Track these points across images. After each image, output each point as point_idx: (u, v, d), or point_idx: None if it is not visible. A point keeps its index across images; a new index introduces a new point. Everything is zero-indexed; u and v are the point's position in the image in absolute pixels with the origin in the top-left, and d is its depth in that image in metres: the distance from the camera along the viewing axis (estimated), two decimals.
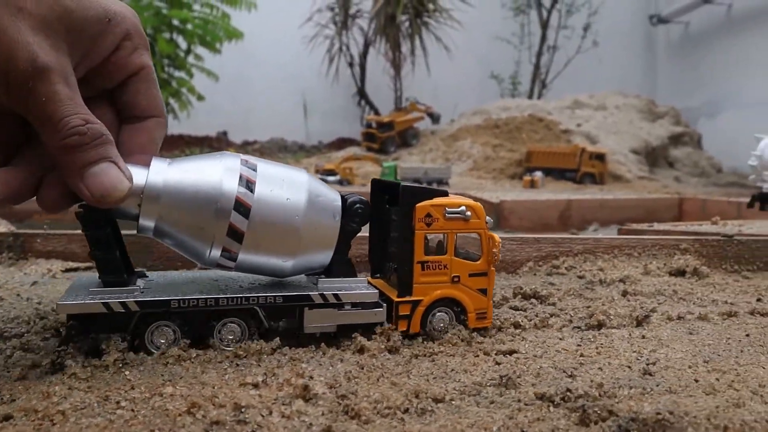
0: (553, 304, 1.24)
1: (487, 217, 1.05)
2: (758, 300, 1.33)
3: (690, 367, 0.89)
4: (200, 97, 7.08)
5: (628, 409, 0.71)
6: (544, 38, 8.99)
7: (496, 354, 0.96)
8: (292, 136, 8.91)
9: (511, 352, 0.96)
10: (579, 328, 1.10)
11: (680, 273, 1.55)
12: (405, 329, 1.01)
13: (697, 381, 0.83)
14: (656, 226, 2.05)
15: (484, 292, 1.05)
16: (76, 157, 0.77)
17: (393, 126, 7.35)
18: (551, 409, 0.76)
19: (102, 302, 0.88)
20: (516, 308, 1.22)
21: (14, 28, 0.71)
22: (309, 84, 8.77)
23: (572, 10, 8.94)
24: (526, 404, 0.77)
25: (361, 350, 0.96)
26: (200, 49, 6.82)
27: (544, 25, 8.98)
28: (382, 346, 0.97)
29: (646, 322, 1.12)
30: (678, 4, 9.02)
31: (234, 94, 8.39)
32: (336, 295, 0.97)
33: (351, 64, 8.72)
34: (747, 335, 1.06)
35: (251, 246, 0.90)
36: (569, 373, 0.86)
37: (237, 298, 0.93)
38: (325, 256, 0.98)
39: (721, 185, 6.35)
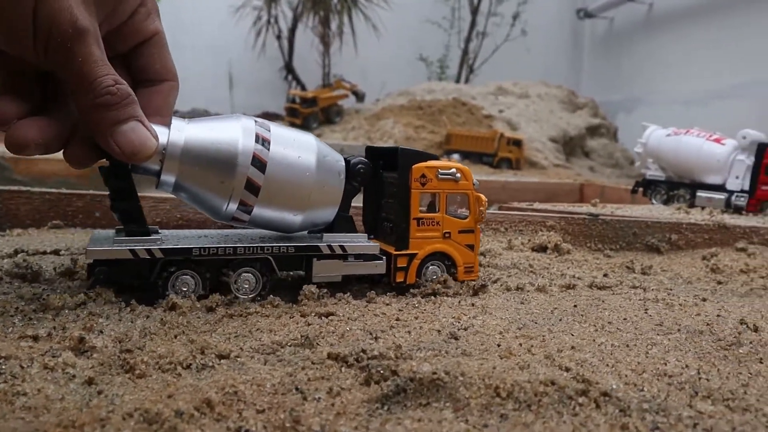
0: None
1: (474, 179, 1.14)
2: (604, 275, 1.34)
3: (501, 333, 0.88)
4: None
5: (409, 369, 0.68)
6: (473, 24, 9.00)
7: (312, 316, 0.93)
8: (215, 107, 8.66)
9: (328, 315, 0.94)
10: (413, 295, 1.08)
11: (542, 249, 1.56)
12: (402, 280, 1.10)
13: (499, 345, 0.82)
14: (536, 205, 2.06)
15: (471, 247, 1.15)
16: (107, 115, 0.80)
17: (316, 102, 7.24)
18: (343, 369, 0.73)
19: (128, 249, 0.93)
20: (363, 276, 1.19)
21: None
22: (235, 55, 8.55)
23: None
24: (314, 363, 0.74)
25: (172, 308, 0.92)
26: None
27: (475, 10, 8.99)
28: (197, 305, 0.94)
29: (482, 292, 1.11)
30: (603, 0, 9.20)
31: None
32: (342, 247, 1.05)
33: (279, 38, 8.54)
34: (575, 306, 1.06)
35: (266, 199, 0.96)
36: (374, 336, 0.84)
37: (253, 247, 1.00)
38: (330, 213, 1.05)
39: (633, 176, 6.52)
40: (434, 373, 0.67)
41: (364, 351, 0.75)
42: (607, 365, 0.77)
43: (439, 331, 0.87)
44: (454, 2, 9.12)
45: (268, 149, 0.95)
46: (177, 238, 1.02)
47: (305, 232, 1.09)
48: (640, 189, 2.95)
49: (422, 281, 1.11)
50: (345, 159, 1.06)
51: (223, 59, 8.57)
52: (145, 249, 0.94)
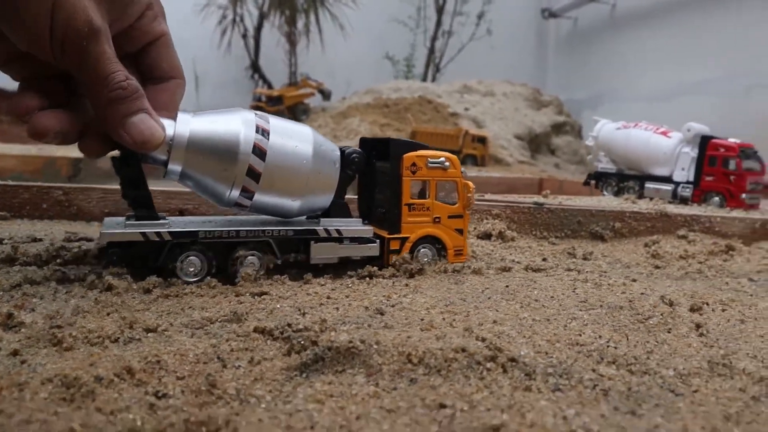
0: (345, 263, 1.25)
1: (462, 168, 1.23)
2: (543, 260, 1.38)
3: (427, 309, 0.91)
4: None
5: (328, 339, 0.71)
6: (439, 23, 9.06)
7: (247, 295, 0.95)
8: (181, 106, 8.61)
9: (261, 294, 0.96)
10: (349, 276, 1.10)
11: (487, 236, 1.60)
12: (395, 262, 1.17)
13: (422, 320, 0.85)
14: (487, 196, 2.11)
15: (460, 231, 1.24)
16: (119, 108, 0.88)
17: (282, 100, 7.24)
18: (268, 341, 0.76)
19: (139, 231, 1.00)
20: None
21: None
22: (200, 53, 8.44)
23: None
24: (239, 335, 0.76)
25: (108, 288, 0.93)
26: None
27: (440, 10, 9.03)
28: (134, 286, 0.96)
29: (419, 274, 1.15)
30: (567, 0, 9.32)
31: None
32: (338, 230, 1.13)
33: (245, 36, 8.51)
34: (507, 286, 1.09)
35: (266, 186, 1.03)
36: (302, 312, 0.87)
37: (255, 230, 1.07)
38: (326, 199, 1.12)
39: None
40: (350, 342, 0.70)
41: (289, 325, 0.78)
42: (524, 336, 0.80)
43: (366, 307, 0.90)
44: (420, 1, 9.16)
45: (268, 139, 1.01)
46: (183, 223, 1.09)
47: (304, 218, 1.16)
48: (593, 181, 3.02)
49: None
50: (340, 149, 1.13)
51: (187, 58, 8.49)
52: (155, 232, 1.00)
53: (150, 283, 0.97)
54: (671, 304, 0.98)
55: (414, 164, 1.17)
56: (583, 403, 0.61)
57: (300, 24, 8.37)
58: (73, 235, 1.33)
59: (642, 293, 1.08)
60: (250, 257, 1.06)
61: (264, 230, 1.07)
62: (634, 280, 1.21)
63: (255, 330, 0.78)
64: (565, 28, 9.78)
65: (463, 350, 0.70)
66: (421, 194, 1.21)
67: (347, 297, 0.96)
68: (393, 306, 0.92)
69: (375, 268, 1.12)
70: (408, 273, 1.13)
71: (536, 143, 7.26)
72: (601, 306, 0.98)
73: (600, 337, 0.82)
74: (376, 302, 0.93)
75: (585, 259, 1.50)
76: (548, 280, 1.16)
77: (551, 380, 0.66)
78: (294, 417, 0.56)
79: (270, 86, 8.42)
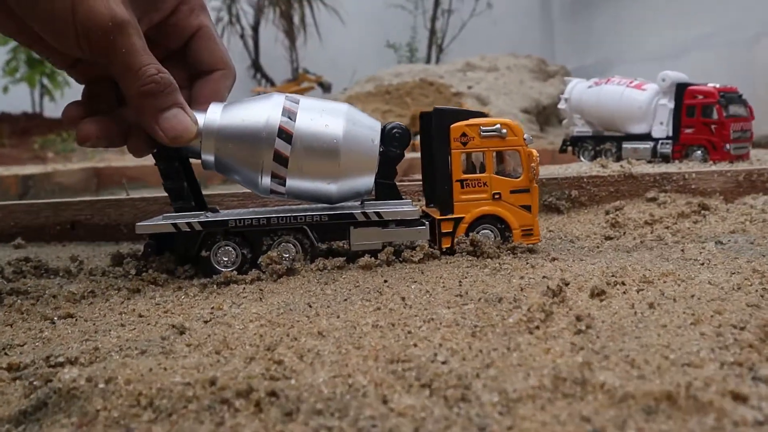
0: None
1: (526, 135, 1.08)
2: (458, 243, 1.21)
3: (250, 321, 0.75)
4: None
5: (58, 378, 0.56)
6: (437, 2, 8.82)
7: (52, 320, 0.81)
8: None
9: (68, 316, 0.82)
10: (204, 285, 0.95)
11: None
12: (449, 246, 1.06)
13: (225, 338, 0.68)
14: (416, 176, 1.93)
15: (528, 208, 1.08)
16: (152, 102, 0.88)
17: None
18: (16, 381, 0.62)
19: (171, 223, 0.98)
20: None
21: None
22: None
23: None
24: None
25: None
26: None
27: None
28: None
29: (290, 275, 0.98)
30: None
31: None
32: (378, 213, 1.03)
33: (242, 36, 8.40)
34: (385, 281, 0.92)
35: (296, 170, 0.98)
36: (86, 338, 0.72)
37: (286, 217, 1.00)
38: (367, 180, 1.04)
39: None
40: (73, 381, 0.54)
41: (48, 358, 0.64)
42: (339, 353, 0.63)
43: (173, 325, 0.74)
44: None
45: (294, 120, 0.97)
46: (224, 214, 1.05)
47: (356, 202, 1.08)
48: (569, 147, 2.80)
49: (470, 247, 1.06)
50: (382, 126, 1.05)
51: None
52: (186, 222, 0.98)
53: None
54: (559, 292, 0.78)
55: (464, 134, 1.05)
56: None
57: (296, 18, 8.22)
58: None
59: (543, 277, 0.90)
60: (284, 245, 1.01)
61: (296, 216, 1.00)
62: (554, 260, 1.03)
63: (8, 367, 0.63)
64: None
65: (213, 384, 0.54)
66: (482, 168, 1.08)
67: (165, 312, 0.81)
68: (208, 321, 0.76)
69: (234, 273, 0.97)
70: (276, 275, 0.97)
71: (545, 115, 7.01)
72: (480, 299, 0.80)
73: (440, 345, 0.64)
74: (195, 316, 0.78)
75: None
76: (441, 270, 0.98)
77: (315, 421, 0.49)
78: None
79: (272, 84, 8.31)
